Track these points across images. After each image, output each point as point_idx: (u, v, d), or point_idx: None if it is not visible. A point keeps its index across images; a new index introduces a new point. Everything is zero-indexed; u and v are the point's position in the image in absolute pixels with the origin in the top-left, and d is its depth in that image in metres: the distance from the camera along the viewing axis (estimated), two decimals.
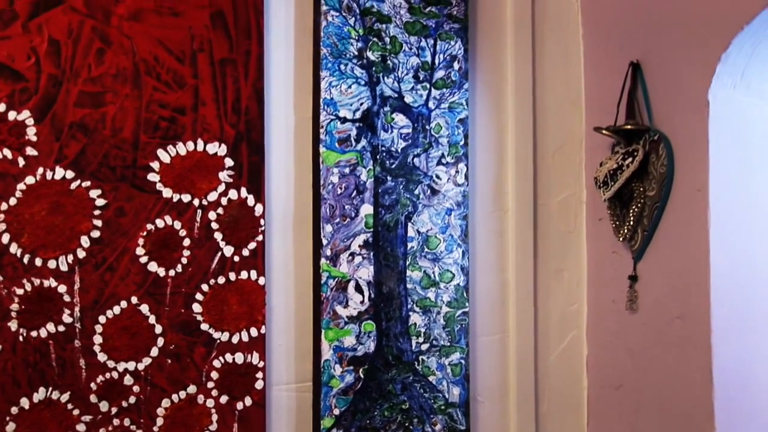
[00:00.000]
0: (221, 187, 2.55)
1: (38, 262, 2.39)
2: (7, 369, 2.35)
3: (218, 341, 2.54)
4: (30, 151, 2.38)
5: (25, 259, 2.38)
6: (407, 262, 2.73)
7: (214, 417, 2.54)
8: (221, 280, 2.55)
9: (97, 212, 2.44)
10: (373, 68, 2.71)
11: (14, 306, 2.37)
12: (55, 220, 2.41)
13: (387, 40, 2.73)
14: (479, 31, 2.89)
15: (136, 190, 2.48)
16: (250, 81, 2.58)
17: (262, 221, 2.59)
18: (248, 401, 2.56)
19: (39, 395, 2.38)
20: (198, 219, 2.53)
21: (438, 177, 2.77)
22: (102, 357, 2.44)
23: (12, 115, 2.37)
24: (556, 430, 2.95)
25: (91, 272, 2.43)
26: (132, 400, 2.46)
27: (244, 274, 2.57)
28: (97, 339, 2.44)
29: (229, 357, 2.55)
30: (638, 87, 2.75)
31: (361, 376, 2.67)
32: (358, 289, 2.68)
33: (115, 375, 2.45)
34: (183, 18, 2.52)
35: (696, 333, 2.55)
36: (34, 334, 2.39)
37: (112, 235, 2.45)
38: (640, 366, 2.76)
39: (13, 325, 2.36)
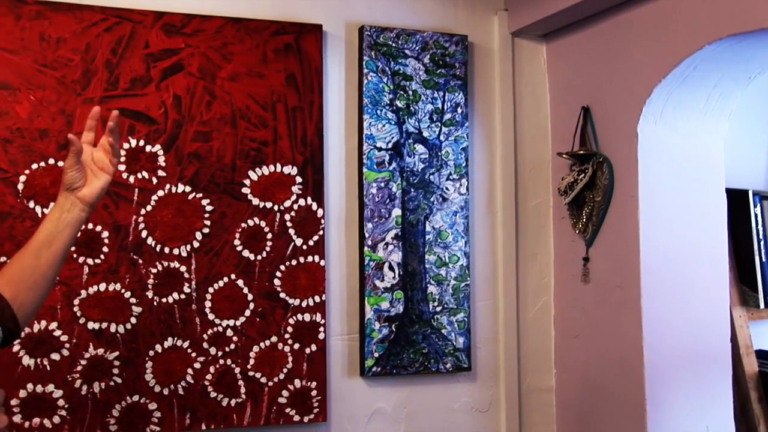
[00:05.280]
0: (293, 197, 2.55)
1: (167, 250, 2.42)
2: (146, 324, 2.39)
3: (292, 305, 2.54)
4: (161, 173, 2.42)
5: (158, 248, 2.41)
6: (426, 249, 2.71)
7: (290, 358, 2.53)
8: (294, 262, 2.55)
9: (207, 215, 2.46)
10: (401, 112, 2.69)
11: (151, 281, 2.40)
12: (178, 221, 2.43)
13: (410, 92, 2.71)
14: (476, 85, 2.85)
15: (234, 200, 2.49)
16: (313, 122, 2.58)
17: (322, 221, 2.58)
18: (314, 347, 2.56)
19: (168, 342, 2.41)
20: (277, 219, 2.53)
21: (447, 189, 2.74)
22: (211, 316, 2.46)
23: (148, 148, 2.41)
24: (533, 367, 2.90)
25: (203, 257, 2.45)
26: (232, 346, 2.47)
27: (310, 258, 2.56)
28: (208, 303, 2.45)
29: (299, 316, 2.55)
30: (588, 124, 2.72)
31: (393, 329, 2.66)
32: (391, 268, 2.67)
33: (220, 329, 2.47)
34: (266, 79, 2.53)
35: (630, 297, 2.53)
36: (164, 300, 2.41)
37: (217, 231, 2.47)
38: (592, 321, 2.73)
39: (149, 294, 2.40)
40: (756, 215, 2.91)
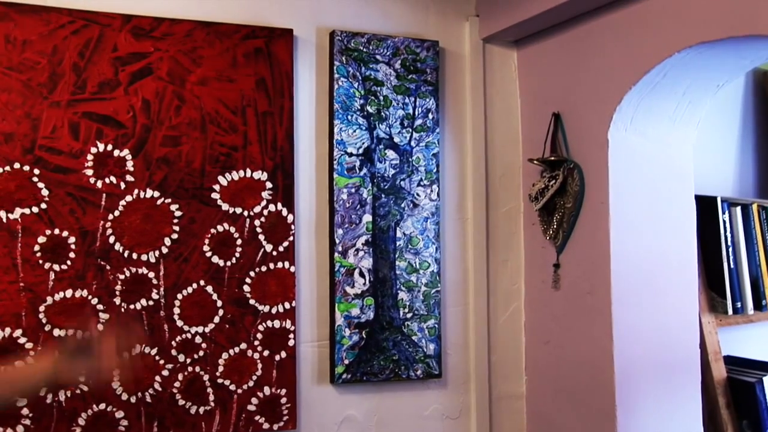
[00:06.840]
0: (263, 203, 2.54)
1: (135, 256, 2.40)
2: (113, 332, 2.36)
3: (262, 312, 2.53)
4: (129, 177, 2.40)
5: (126, 254, 2.39)
6: (396, 255, 2.71)
7: (259, 365, 2.52)
8: (264, 268, 2.54)
9: (175, 221, 2.45)
10: (371, 118, 2.69)
11: (118, 287, 2.38)
12: (146, 226, 2.41)
13: (381, 98, 2.71)
14: (447, 91, 2.86)
15: (203, 205, 2.48)
16: (283, 127, 2.58)
17: (292, 226, 2.58)
18: (283, 354, 2.55)
19: (135, 350, 2.39)
20: (247, 225, 2.52)
21: (418, 195, 2.74)
22: (180, 323, 2.44)
23: (116, 153, 2.39)
24: (504, 373, 2.90)
25: (171, 263, 2.44)
26: (201, 353, 2.46)
27: (280, 264, 2.56)
28: (176, 310, 2.44)
29: (269, 323, 2.54)
30: (559, 130, 2.73)
31: (364, 336, 2.66)
32: (361, 274, 2.66)
33: (189, 336, 2.45)
34: (236, 83, 2.52)
35: (600, 304, 2.54)
36: (132, 306, 2.39)
37: (186, 237, 2.46)
38: (562, 327, 2.74)
39: (117, 300, 2.38)
40: (725, 222, 2.94)
